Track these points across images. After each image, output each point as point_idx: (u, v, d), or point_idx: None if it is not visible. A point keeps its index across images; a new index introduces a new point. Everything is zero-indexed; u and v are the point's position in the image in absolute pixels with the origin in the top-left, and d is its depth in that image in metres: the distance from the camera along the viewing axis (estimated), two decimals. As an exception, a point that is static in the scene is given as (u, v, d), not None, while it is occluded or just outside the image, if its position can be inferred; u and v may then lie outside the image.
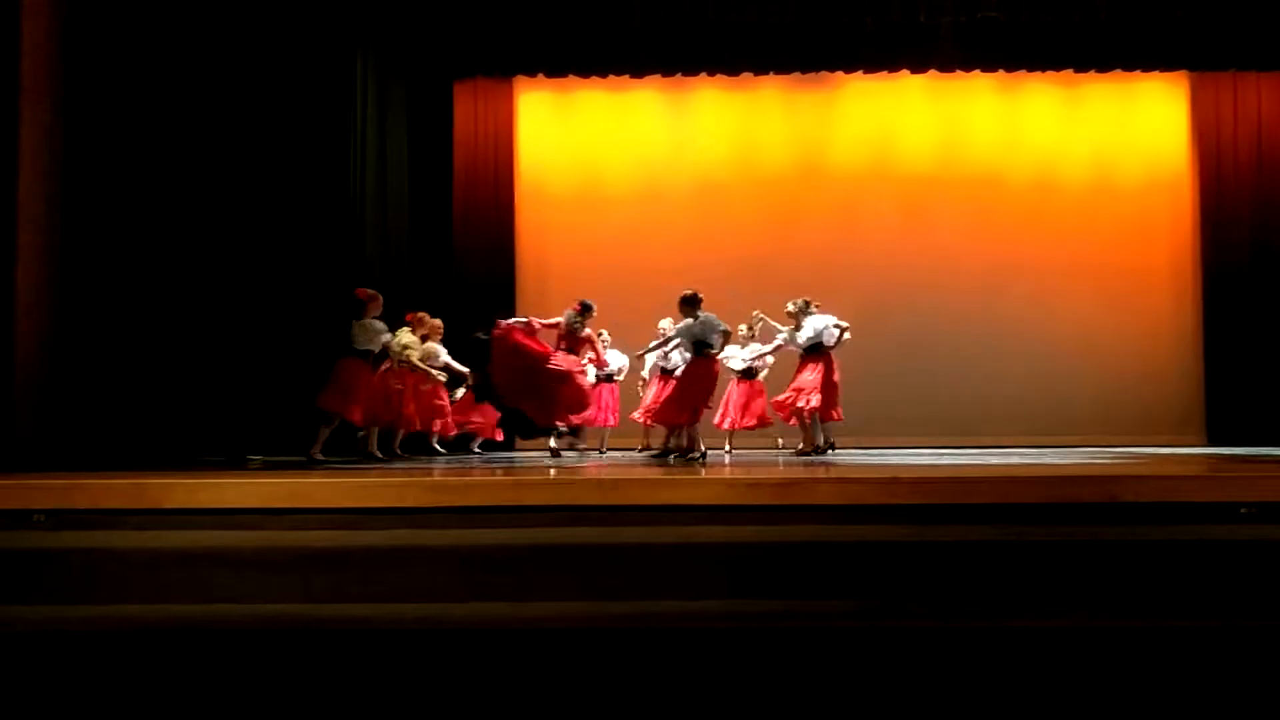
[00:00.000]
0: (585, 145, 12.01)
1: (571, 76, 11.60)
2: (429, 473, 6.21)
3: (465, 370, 8.87)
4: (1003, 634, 3.46)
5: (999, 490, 4.71)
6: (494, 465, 7.66)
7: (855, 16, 10.51)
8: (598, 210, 11.82)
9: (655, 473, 6.20)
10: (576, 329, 8.49)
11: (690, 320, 8.10)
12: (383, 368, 8.43)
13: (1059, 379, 11.33)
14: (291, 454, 8.49)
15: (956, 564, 3.95)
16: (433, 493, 4.67)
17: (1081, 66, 11.40)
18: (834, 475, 5.72)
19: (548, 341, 8.42)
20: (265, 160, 9.31)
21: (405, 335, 8.66)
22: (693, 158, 11.93)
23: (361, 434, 8.49)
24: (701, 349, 8.05)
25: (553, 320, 8.65)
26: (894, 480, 4.81)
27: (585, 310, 8.50)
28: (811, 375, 8.79)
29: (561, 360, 8.20)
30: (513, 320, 8.49)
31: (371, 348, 8.10)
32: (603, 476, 5.16)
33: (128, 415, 8.00)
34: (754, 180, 11.86)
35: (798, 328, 8.90)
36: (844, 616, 3.64)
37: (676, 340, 8.57)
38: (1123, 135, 11.93)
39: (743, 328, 9.56)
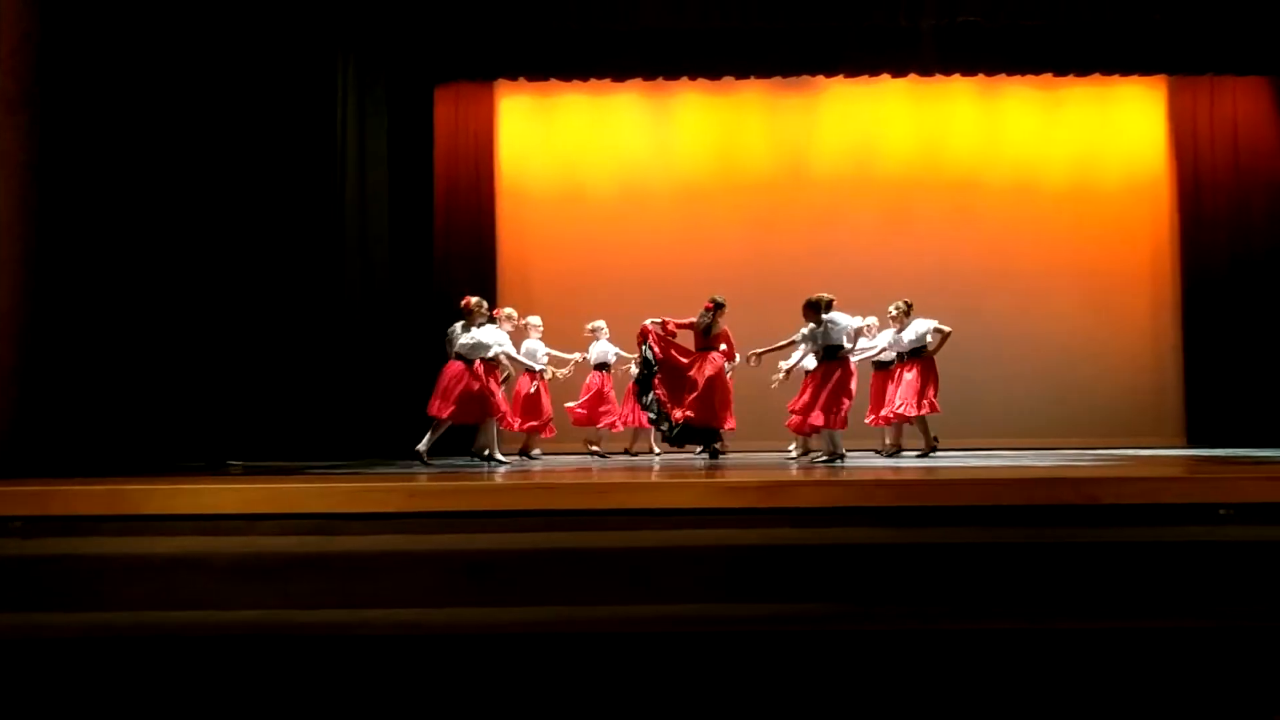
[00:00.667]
0: (567, 149, 11.99)
1: (553, 80, 11.58)
2: (411, 478, 6.18)
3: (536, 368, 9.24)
4: (984, 636, 3.47)
5: (980, 493, 4.72)
6: (478, 470, 7.63)
7: (837, 20, 10.52)
8: (579, 214, 11.81)
9: (637, 476, 6.19)
10: (711, 326, 8.89)
11: (814, 324, 8.21)
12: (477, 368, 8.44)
13: (1039, 381, 11.37)
14: (272, 459, 8.45)
15: (938, 566, 3.96)
16: (415, 498, 4.64)
17: (1061, 70, 11.45)
18: (815, 478, 5.72)
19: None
20: (246, 165, 9.29)
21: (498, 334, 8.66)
22: (675, 161, 11.93)
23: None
24: (834, 352, 8.12)
25: (687, 320, 9.04)
26: (876, 483, 4.82)
27: (719, 307, 8.94)
28: (910, 377, 8.91)
29: (709, 364, 8.78)
30: (651, 322, 8.98)
31: (479, 354, 8.31)
32: (584, 481, 5.14)
33: (106, 421, 7.95)
34: (736, 184, 11.86)
35: (901, 329, 9.03)
36: (826, 619, 3.64)
37: (803, 346, 8.69)
38: (1102, 139, 11.99)
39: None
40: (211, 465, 7.99)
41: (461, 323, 8.37)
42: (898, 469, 7.21)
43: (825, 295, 8.29)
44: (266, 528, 4.43)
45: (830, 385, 8.04)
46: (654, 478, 5.99)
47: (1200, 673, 3.32)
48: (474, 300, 8.48)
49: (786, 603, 3.81)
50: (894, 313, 9.13)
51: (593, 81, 11.57)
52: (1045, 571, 3.93)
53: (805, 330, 8.40)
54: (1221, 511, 4.37)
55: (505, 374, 9.02)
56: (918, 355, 9.00)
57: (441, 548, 4.14)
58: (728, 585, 3.89)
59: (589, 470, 7.62)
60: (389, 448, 9.59)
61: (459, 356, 8.29)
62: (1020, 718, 3.29)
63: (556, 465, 8.48)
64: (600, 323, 9.98)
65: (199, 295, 8.84)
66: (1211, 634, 3.45)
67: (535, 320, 9.62)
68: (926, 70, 11.34)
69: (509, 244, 11.74)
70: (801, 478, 5.74)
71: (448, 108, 11.51)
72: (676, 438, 8.95)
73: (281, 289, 9.56)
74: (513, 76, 11.57)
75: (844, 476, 5.96)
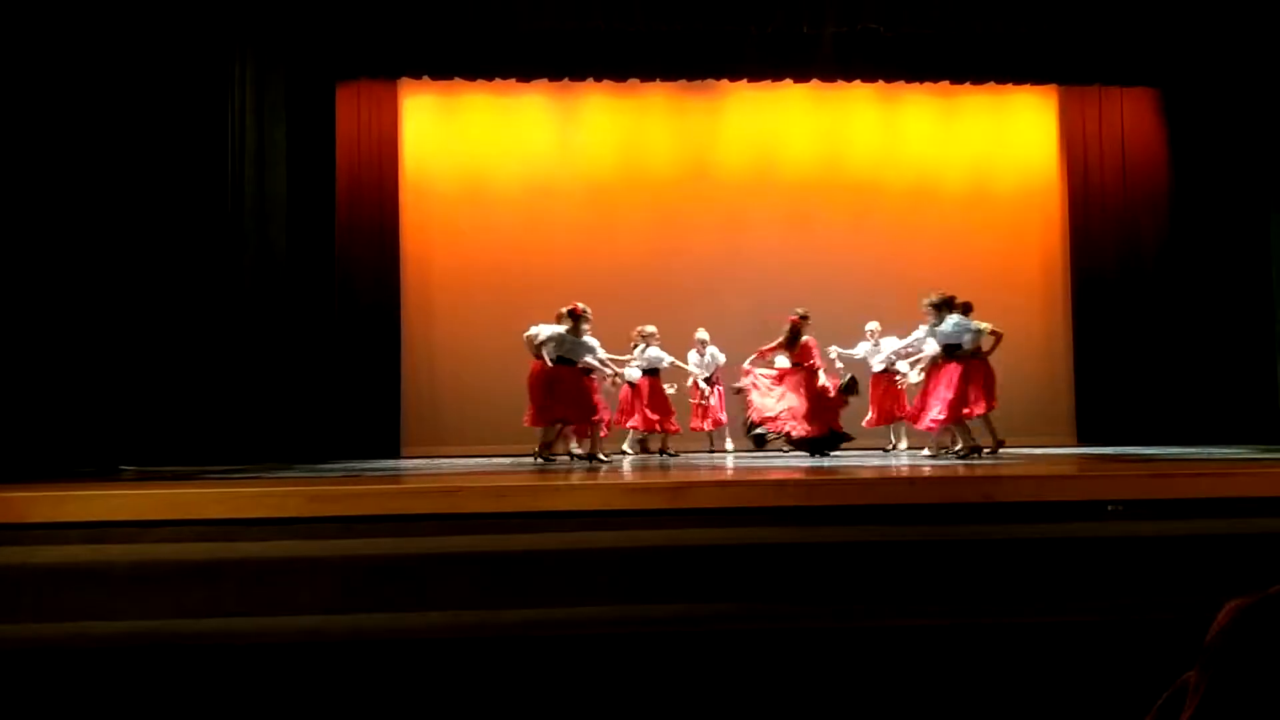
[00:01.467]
0: (472, 149, 11.90)
1: (457, 80, 11.48)
2: (311, 481, 6.07)
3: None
4: (885, 632, 3.53)
5: (882, 492, 4.81)
6: (379, 474, 7.53)
7: (740, 25, 10.63)
8: (484, 214, 11.72)
9: (542, 479, 6.17)
10: (795, 340, 9.32)
11: (935, 322, 8.53)
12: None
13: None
14: (167, 464, 8.23)
15: (841, 565, 4.02)
16: (314, 502, 4.56)
17: (957, 78, 11.72)
18: (721, 479, 5.76)
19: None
20: (137, 163, 9.05)
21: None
22: (580, 162, 11.92)
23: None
24: (953, 350, 8.45)
25: (772, 344, 9.45)
26: (780, 483, 4.87)
27: (805, 318, 9.40)
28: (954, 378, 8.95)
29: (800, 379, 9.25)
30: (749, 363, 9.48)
31: (583, 359, 8.65)
32: (487, 484, 5.11)
33: (-10, 426, 7.66)
34: (640, 185, 11.90)
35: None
36: (731, 619, 3.67)
37: (924, 346, 8.94)
38: (996, 146, 12.31)
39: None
40: (102, 471, 7.75)
41: (568, 328, 8.62)
42: (805, 469, 7.31)
43: (948, 294, 8.60)
44: (160, 535, 4.31)
45: (970, 379, 8.51)
46: (559, 480, 5.97)
47: (1094, 664, 3.42)
48: (581, 306, 8.76)
49: (693, 603, 3.83)
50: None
51: (498, 81, 11.50)
52: (945, 568, 4.02)
53: (928, 328, 8.72)
54: (1110, 508, 4.52)
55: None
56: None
57: (343, 553, 4.07)
58: (634, 587, 3.90)
59: (494, 473, 7.56)
60: (289, 451, 9.41)
61: (562, 360, 8.57)
62: (921, 711, 3.35)
63: (464, 468, 8.40)
64: (651, 328, 10.19)
65: (89, 296, 8.57)
66: (1101, 627, 3.56)
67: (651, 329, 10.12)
68: (828, 76, 11.51)
69: (413, 243, 11.60)
70: (709, 478, 5.78)
71: (350, 105, 11.33)
72: (811, 448, 9.22)
73: (176, 288, 9.33)
74: (417, 75, 11.44)
75: (748, 477, 6.01)
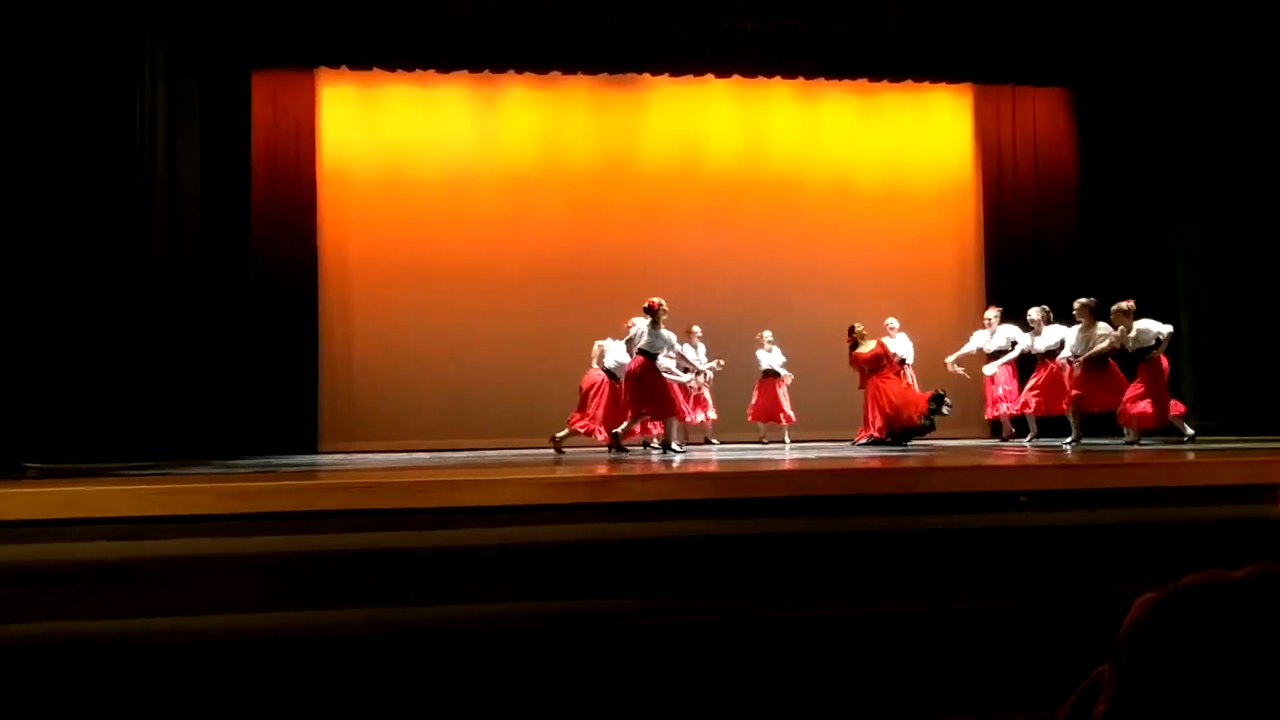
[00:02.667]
0: (391, 140, 11.75)
1: (376, 70, 11.33)
2: (225, 478, 5.95)
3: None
4: (806, 623, 3.57)
5: (802, 484, 4.85)
6: (295, 470, 7.40)
7: (661, 19, 10.64)
8: (404, 205, 11.59)
9: (461, 474, 6.12)
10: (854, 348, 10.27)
11: (1124, 328, 8.79)
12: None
13: (855, 376, 11.75)
14: (74, 461, 8.00)
15: (762, 556, 4.05)
16: (227, 499, 4.46)
17: (875, 76, 11.88)
18: (641, 473, 5.77)
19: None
20: (41, 154, 8.76)
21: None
22: (500, 155, 11.84)
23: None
24: (1147, 352, 8.71)
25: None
26: (700, 476, 4.89)
27: (851, 331, 10.31)
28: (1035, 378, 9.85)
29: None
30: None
31: (659, 351, 8.93)
32: (406, 480, 5.05)
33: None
34: (561, 178, 11.87)
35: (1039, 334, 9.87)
36: (653, 613, 3.67)
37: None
38: (914, 143, 12.50)
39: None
40: (5, 469, 7.50)
41: (649, 321, 8.87)
42: (719, 463, 7.35)
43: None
44: (68, 534, 4.18)
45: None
46: (479, 475, 5.93)
47: (1008, 651, 3.49)
48: (658, 300, 8.97)
49: (614, 597, 3.82)
50: (1036, 316, 9.95)
51: (418, 72, 11.39)
52: (861, 559, 4.07)
53: (1116, 331, 8.95)
54: (1022, 499, 4.62)
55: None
56: (1053, 356, 9.70)
57: (257, 550, 3.99)
58: (555, 582, 3.88)
59: (414, 468, 7.49)
60: (202, 447, 9.22)
61: (643, 353, 8.85)
62: (841, 699, 3.39)
63: (387, 463, 8.30)
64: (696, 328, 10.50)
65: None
66: (1014, 615, 3.63)
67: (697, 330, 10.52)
68: (749, 72, 11.59)
69: (331, 234, 11.43)
70: (628, 472, 5.78)
71: (265, 95, 11.12)
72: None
73: (84, 280, 9.06)
74: (334, 64, 11.27)
75: (670, 470, 6.03)
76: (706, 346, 10.58)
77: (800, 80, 11.93)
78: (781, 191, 12.13)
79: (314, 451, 10.50)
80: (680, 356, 9.44)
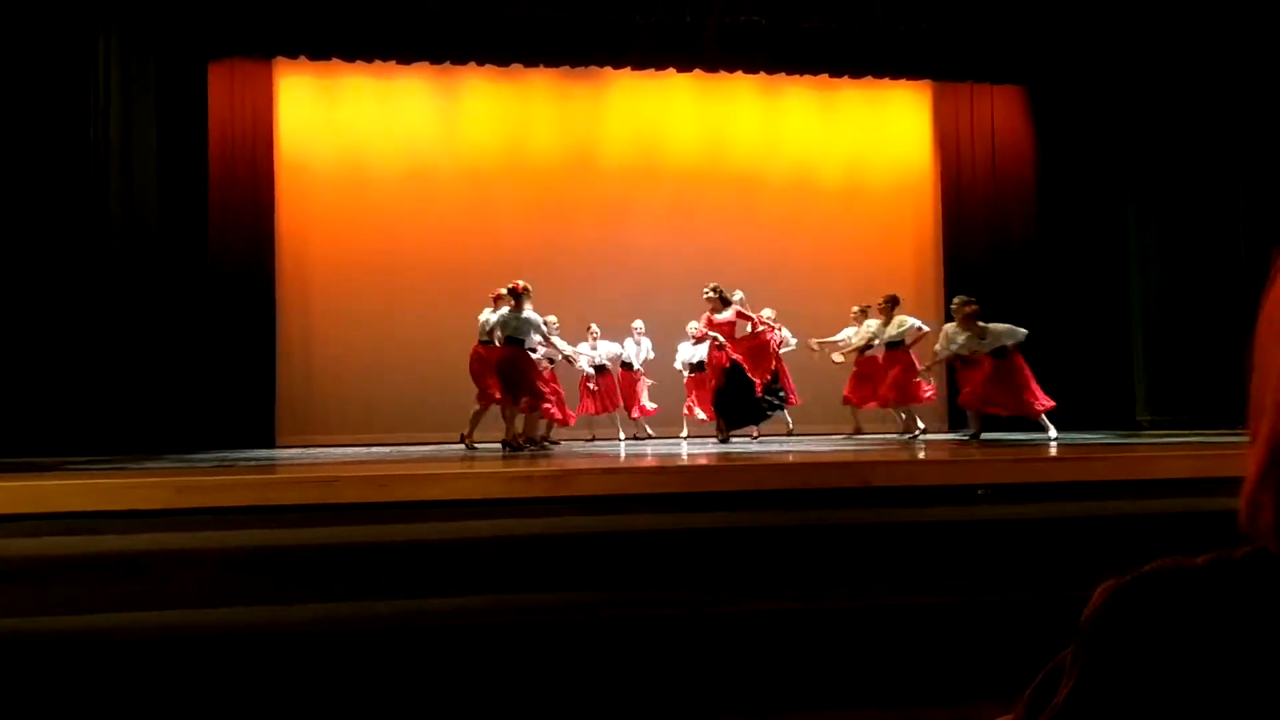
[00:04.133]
0: (350, 132, 11.66)
1: (335, 60, 11.24)
2: (180, 472, 5.88)
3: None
4: (765, 616, 3.58)
5: (761, 478, 4.87)
6: (252, 464, 7.33)
7: (624, 13, 10.63)
8: (363, 198, 11.51)
9: (421, 468, 6.09)
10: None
11: None
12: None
13: (816, 370, 11.81)
14: (25, 454, 7.88)
15: (721, 550, 4.06)
16: (183, 494, 4.41)
17: (836, 72, 11.94)
18: (599, 466, 5.77)
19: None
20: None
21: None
22: (461, 147, 11.79)
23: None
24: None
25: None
26: (659, 470, 4.89)
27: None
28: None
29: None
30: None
31: (525, 338, 8.35)
32: (365, 474, 5.02)
33: None
34: (523, 171, 11.83)
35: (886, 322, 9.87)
36: (612, 605, 3.68)
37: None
38: (873, 139, 12.58)
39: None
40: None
41: (510, 308, 8.39)
42: (679, 456, 7.36)
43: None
44: (18, 529, 4.12)
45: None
46: (439, 469, 5.90)
47: (963, 643, 3.52)
48: (523, 284, 8.52)
49: (573, 591, 3.82)
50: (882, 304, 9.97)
51: (378, 63, 11.30)
52: (823, 553, 4.09)
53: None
54: (980, 492, 4.66)
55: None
56: (898, 347, 9.82)
57: (215, 545, 3.95)
58: (514, 576, 3.87)
59: (373, 462, 7.44)
60: (158, 441, 9.10)
61: (510, 340, 8.33)
62: (802, 693, 3.41)
63: (340, 457, 8.24)
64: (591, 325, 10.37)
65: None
66: (972, 608, 3.67)
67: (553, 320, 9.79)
68: (711, 66, 11.62)
69: (289, 226, 11.33)
70: (585, 466, 5.78)
71: (222, 86, 11.00)
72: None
73: (38, 272, 8.93)
74: (292, 55, 11.17)
75: (629, 464, 6.03)
76: (651, 341, 10.57)
77: (761, 75, 11.97)
78: (742, 186, 12.16)
79: (271, 445, 10.41)
80: (546, 340, 8.73)
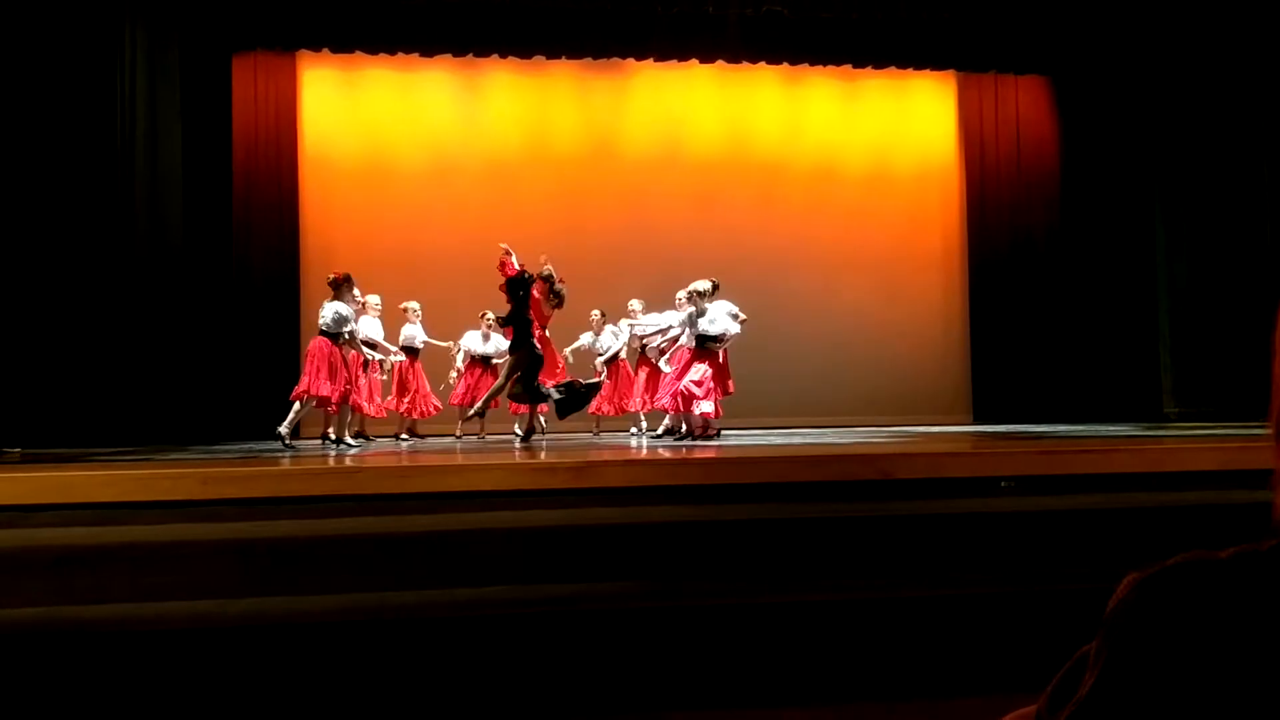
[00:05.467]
0: (373, 124, 11.69)
1: (358, 53, 11.27)
2: (206, 463, 5.92)
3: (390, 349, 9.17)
4: (785, 608, 3.58)
5: (782, 470, 4.86)
6: (276, 455, 7.38)
7: (646, 4, 10.62)
8: (386, 190, 11.53)
9: (443, 459, 6.12)
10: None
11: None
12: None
13: (839, 361, 11.81)
14: (55, 445, 7.96)
15: (742, 542, 4.06)
16: (208, 485, 4.44)
17: (859, 62, 11.89)
18: (623, 458, 5.77)
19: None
20: (21, 136, 8.70)
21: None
22: (483, 139, 11.79)
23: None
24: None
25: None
26: (682, 462, 4.89)
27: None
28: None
29: None
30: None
31: (341, 330, 8.05)
32: (387, 465, 5.04)
33: None
34: (545, 163, 11.83)
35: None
36: (634, 597, 3.68)
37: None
38: (897, 130, 12.52)
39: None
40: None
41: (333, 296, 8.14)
42: (700, 449, 7.36)
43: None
44: (47, 519, 4.16)
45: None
46: (461, 460, 5.92)
47: (985, 635, 3.51)
48: (343, 273, 8.25)
49: (595, 582, 3.83)
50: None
51: (400, 56, 11.32)
52: (843, 545, 4.08)
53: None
54: (1003, 484, 4.64)
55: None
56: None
57: (239, 536, 3.98)
58: (536, 566, 3.88)
59: (395, 454, 7.48)
60: (183, 432, 9.17)
61: (323, 333, 8.04)
62: (820, 684, 3.40)
63: (370, 449, 8.29)
64: (414, 304, 9.78)
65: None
66: (994, 599, 3.65)
67: (375, 300, 9.42)
68: (733, 57, 11.58)
69: (313, 219, 11.37)
70: (610, 458, 5.79)
71: (246, 78, 11.04)
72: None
73: (66, 264, 9.00)
74: (315, 48, 11.20)
75: (651, 457, 6.04)
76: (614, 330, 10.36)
77: (784, 66, 11.92)
78: (765, 177, 12.13)
79: (295, 437, 10.44)
80: (352, 334, 8.27)
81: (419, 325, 9.68)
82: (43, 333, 8.77)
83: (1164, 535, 4.01)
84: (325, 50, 11.22)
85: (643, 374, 9.88)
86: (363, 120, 11.68)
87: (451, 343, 9.77)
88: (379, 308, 9.45)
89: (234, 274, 10.55)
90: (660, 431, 9.22)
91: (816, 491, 4.58)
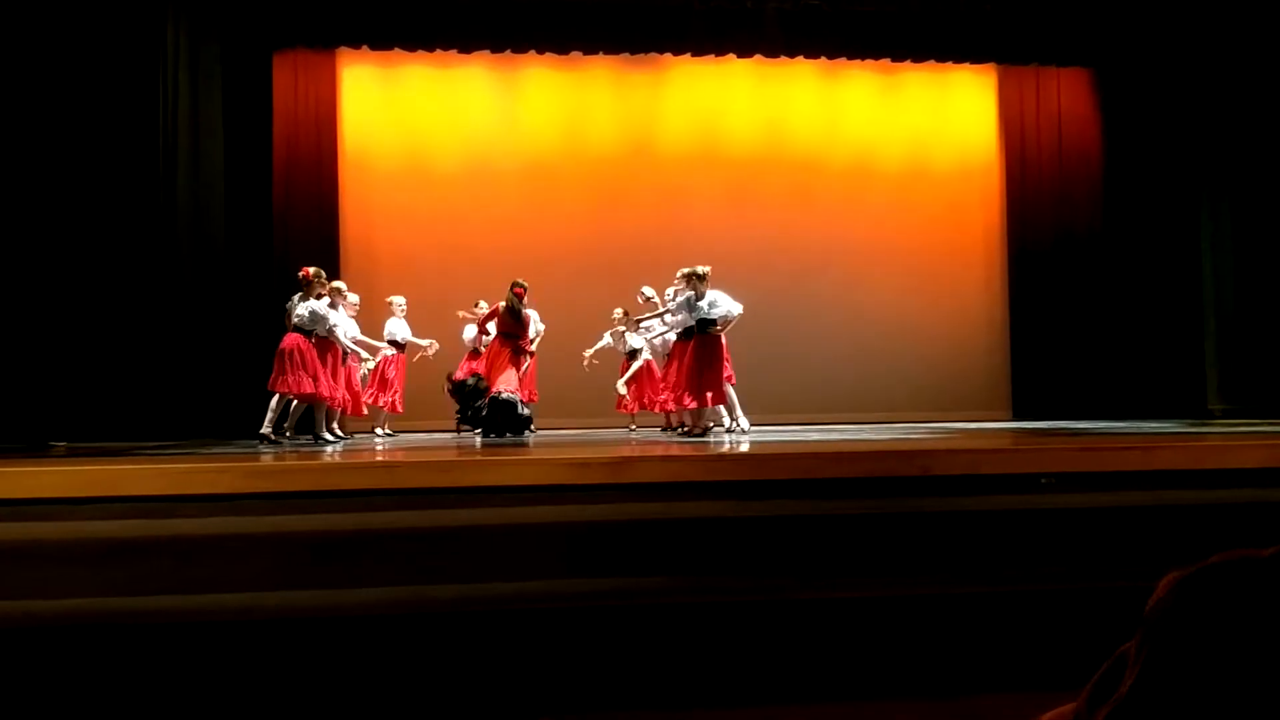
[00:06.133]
0: (412, 121, 11.76)
1: (397, 50, 11.33)
2: (248, 458, 5.99)
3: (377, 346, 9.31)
4: (823, 605, 3.57)
5: (819, 466, 4.84)
6: (319, 449, 7.45)
7: (684, -1, 10.63)
8: (424, 187, 11.61)
9: (480, 454, 6.15)
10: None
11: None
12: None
13: (876, 357, 11.75)
14: (99, 439, 8.08)
15: (779, 538, 4.05)
16: (251, 478, 4.50)
17: (898, 56, 11.80)
18: (660, 454, 5.77)
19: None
20: (66, 135, 8.84)
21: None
22: (521, 136, 11.83)
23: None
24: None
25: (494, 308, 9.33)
26: (719, 458, 4.88)
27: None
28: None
29: None
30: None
31: (316, 327, 8.10)
32: (427, 459, 5.07)
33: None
34: (582, 160, 11.85)
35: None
36: (671, 593, 3.68)
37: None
38: (936, 123, 12.42)
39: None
40: (32, 446, 7.58)
41: (299, 294, 8.12)
42: (737, 444, 7.35)
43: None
44: (91, 512, 4.23)
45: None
46: (499, 455, 5.95)
47: (1025, 633, 3.48)
48: (313, 270, 8.26)
49: (632, 577, 3.83)
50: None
51: (438, 52, 11.38)
52: (882, 541, 4.06)
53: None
54: (1043, 480, 4.59)
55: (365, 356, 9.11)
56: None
57: (280, 529, 4.02)
58: (573, 561, 3.89)
59: (431, 448, 7.52)
60: (225, 427, 9.28)
61: (297, 329, 8.03)
62: (858, 682, 3.39)
63: (402, 443, 8.35)
64: (399, 298, 9.87)
65: (16, 268, 8.37)
66: (1034, 597, 3.62)
67: (399, 300, 9.65)
68: (771, 52, 11.54)
69: (352, 216, 11.46)
70: (648, 453, 5.79)
71: (287, 75, 11.14)
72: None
73: (109, 261, 9.13)
74: (355, 45, 11.27)
75: (689, 452, 6.03)
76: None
77: (822, 60, 11.87)
78: (803, 172, 12.08)
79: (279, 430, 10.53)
80: (331, 332, 8.27)
81: (403, 321, 9.72)
82: (88, 330, 8.89)
83: (1206, 534, 3.96)
84: (364, 47, 11.30)
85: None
86: (401, 117, 11.75)
87: (430, 341, 9.73)
88: (404, 306, 9.56)
89: (274, 271, 10.65)
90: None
91: (854, 488, 4.56)
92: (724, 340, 8.33)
